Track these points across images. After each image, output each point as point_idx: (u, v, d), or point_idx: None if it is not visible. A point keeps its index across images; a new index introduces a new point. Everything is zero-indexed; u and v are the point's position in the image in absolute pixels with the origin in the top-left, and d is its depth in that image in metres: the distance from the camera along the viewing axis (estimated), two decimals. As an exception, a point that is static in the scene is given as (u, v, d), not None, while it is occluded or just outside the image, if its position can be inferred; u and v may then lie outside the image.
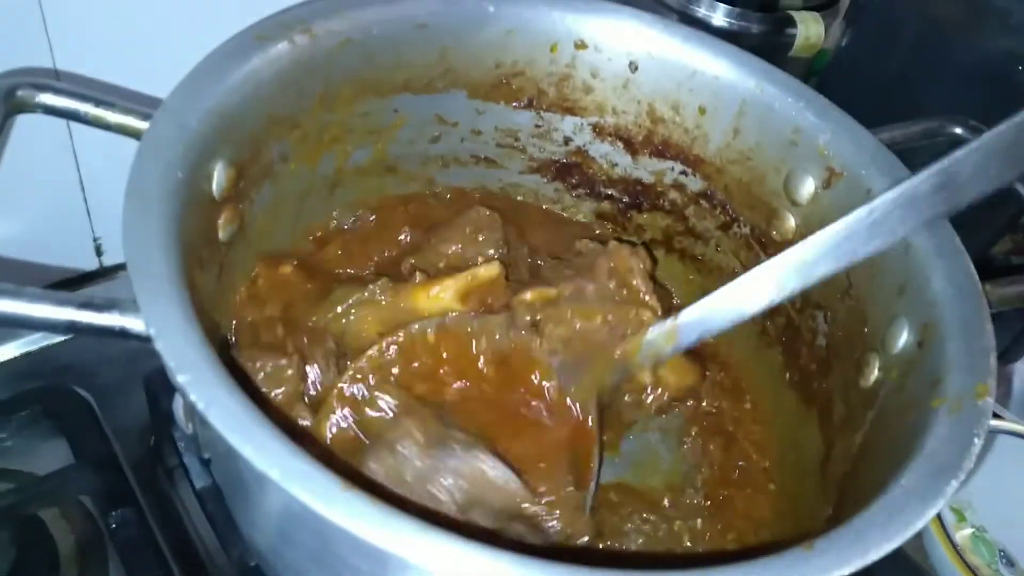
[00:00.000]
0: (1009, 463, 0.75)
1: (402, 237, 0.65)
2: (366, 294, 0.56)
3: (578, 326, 0.57)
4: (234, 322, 0.55)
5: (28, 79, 0.48)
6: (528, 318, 0.57)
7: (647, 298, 0.59)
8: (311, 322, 0.56)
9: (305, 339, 0.54)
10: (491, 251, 0.61)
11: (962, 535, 0.76)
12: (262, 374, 0.51)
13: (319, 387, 0.53)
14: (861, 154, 0.57)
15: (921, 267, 0.52)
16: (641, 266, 0.60)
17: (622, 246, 0.61)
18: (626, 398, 0.60)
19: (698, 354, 0.64)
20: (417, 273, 0.58)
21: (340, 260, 0.63)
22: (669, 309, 0.58)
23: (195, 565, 0.60)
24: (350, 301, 0.56)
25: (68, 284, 0.77)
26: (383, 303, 0.56)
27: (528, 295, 0.57)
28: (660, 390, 0.59)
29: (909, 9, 0.77)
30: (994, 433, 0.74)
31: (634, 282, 0.59)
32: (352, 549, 0.37)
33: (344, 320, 0.56)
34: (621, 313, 0.57)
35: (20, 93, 0.48)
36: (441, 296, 0.56)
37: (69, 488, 0.62)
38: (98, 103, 0.48)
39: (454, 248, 0.62)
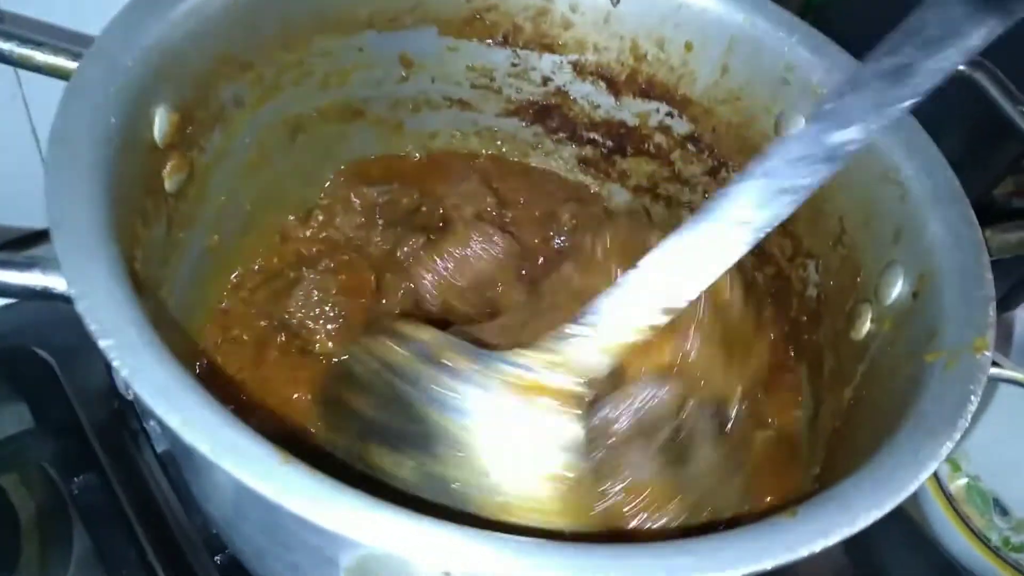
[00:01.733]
0: (1006, 412, 0.73)
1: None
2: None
3: None
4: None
5: (-59, 18, 0.44)
6: None
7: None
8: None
9: None
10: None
11: (956, 485, 0.75)
12: None
13: None
14: (857, 92, 0.53)
15: (918, 212, 0.48)
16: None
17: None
18: None
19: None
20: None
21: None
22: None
23: (161, 530, 0.58)
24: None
25: (22, 242, 0.74)
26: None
27: None
28: None
29: (912, -63, 0.72)
30: (993, 381, 0.72)
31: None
32: (300, 524, 0.34)
33: None
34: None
35: (-64, 33, 0.44)
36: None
37: (29, 453, 0.60)
38: (23, 42, 0.44)
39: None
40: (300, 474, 0.30)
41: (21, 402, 0.63)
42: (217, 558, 0.54)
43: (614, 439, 0.48)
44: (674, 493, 0.46)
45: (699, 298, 0.51)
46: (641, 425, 0.49)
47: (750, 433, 0.53)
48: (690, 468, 0.49)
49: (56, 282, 0.35)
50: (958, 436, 0.38)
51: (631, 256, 0.53)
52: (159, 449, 0.58)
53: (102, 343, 0.32)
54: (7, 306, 0.69)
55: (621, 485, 0.46)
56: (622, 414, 0.49)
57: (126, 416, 0.63)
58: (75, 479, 0.59)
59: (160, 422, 0.32)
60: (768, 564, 0.32)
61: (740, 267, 0.57)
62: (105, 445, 0.61)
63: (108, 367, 0.63)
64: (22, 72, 0.65)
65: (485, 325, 0.54)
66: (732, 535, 0.33)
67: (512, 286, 0.59)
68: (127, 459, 0.62)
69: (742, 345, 0.55)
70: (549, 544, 0.32)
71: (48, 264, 0.36)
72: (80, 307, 0.33)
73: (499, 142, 0.68)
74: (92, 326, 0.32)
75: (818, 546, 0.33)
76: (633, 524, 0.46)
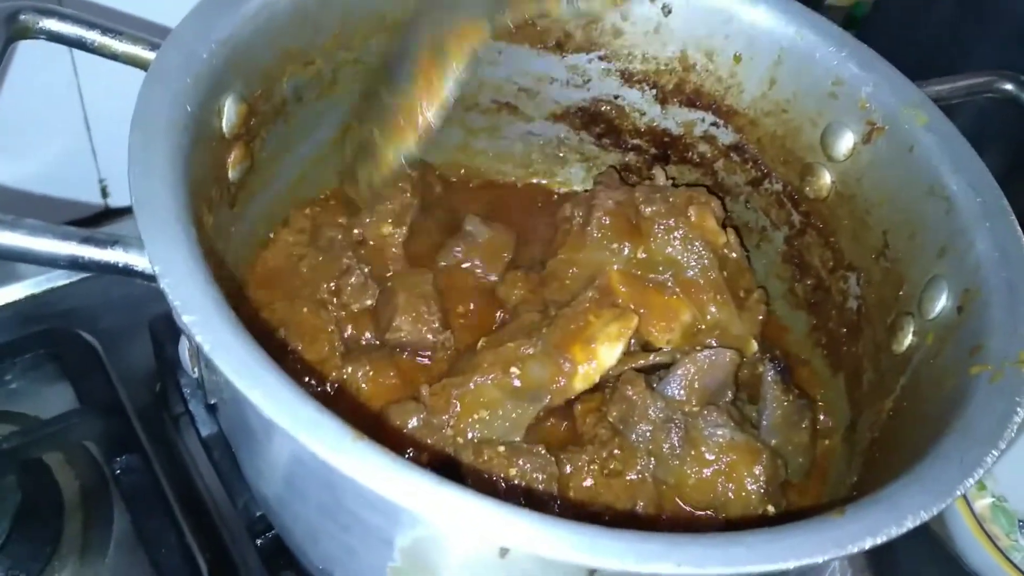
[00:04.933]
0: (1032, 433, 0.73)
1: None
2: None
3: None
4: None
5: (32, 3, 0.46)
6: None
7: None
8: None
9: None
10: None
11: (982, 504, 0.75)
12: None
13: None
14: (906, 108, 0.54)
15: (964, 228, 0.49)
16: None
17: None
18: None
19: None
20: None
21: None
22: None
23: (200, 513, 0.60)
24: None
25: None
26: None
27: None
28: None
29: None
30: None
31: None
32: (361, 502, 0.35)
33: None
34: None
35: (23, 17, 0.45)
36: None
37: (73, 433, 0.61)
38: (105, 31, 0.46)
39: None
40: (372, 450, 0.32)
41: (66, 383, 0.64)
42: (258, 541, 0.55)
43: (686, 413, 0.49)
44: (756, 452, 0.48)
45: (700, 249, 0.54)
46: (706, 393, 0.50)
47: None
48: (763, 424, 0.51)
49: (137, 260, 0.37)
50: (1004, 445, 0.39)
51: (624, 226, 0.55)
52: (204, 433, 0.59)
53: (185, 318, 0.33)
54: (53, 290, 0.71)
55: (707, 455, 0.48)
56: (685, 389, 0.50)
57: (168, 399, 0.64)
58: (117, 459, 0.60)
59: (235, 395, 0.33)
60: (818, 558, 0.33)
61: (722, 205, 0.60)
62: (147, 427, 0.62)
63: (155, 351, 0.64)
64: (79, 63, 0.67)
65: (507, 328, 0.56)
66: (783, 529, 0.34)
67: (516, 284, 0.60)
68: (168, 442, 0.63)
69: (745, 288, 0.58)
70: (607, 530, 0.33)
71: (129, 242, 0.37)
72: (163, 284, 0.34)
73: (545, 147, 0.69)
74: (175, 303, 0.33)
75: (867, 543, 0.34)
76: (723, 490, 0.48)
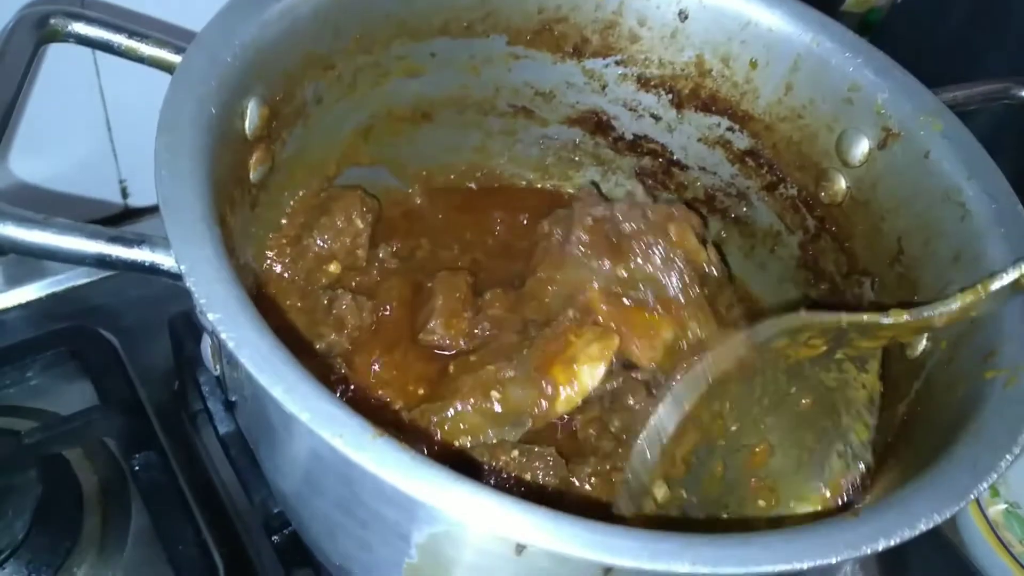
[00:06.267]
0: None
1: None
2: None
3: None
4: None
5: (61, 8, 0.47)
6: None
7: None
8: None
9: None
10: None
11: (995, 511, 0.75)
12: None
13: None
14: (921, 114, 0.54)
15: (978, 234, 0.49)
16: None
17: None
18: None
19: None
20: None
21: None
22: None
23: (217, 509, 0.60)
24: None
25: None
26: None
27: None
28: None
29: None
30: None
31: None
32: (380, 497, 0.36)
33: None
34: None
35: (53, 21, 0.46)
36: None
37: (93, 429, 0.62)
38: (132, 34, 0.47)
39: None
40: (392, 447, 0.32)
41: (86, 380, 0.65)
42: (275, 538, 0.56)
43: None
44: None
45: (681, 267, 0.54)
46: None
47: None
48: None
49: (162, 259, 0.38)
50: (1017, 450, 0.39)
51: (603, 244, 0.55)
52: (221, 430, 0.59)
53: (210, 316, 0.34)
54: (74, 288, 0.72)
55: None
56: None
57: (186, 397, 0.65)
58: (135, 456, 0.61)
59: (257, 392, 0.33)
60: (832, 559, 0.34)
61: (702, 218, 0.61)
62: (165, 424, 0.63)
63: (174, 349, 0.65)
64: (101, 66, 0.68)
65: (484, 350, 0.55)
66: (798, 530, 0.35)
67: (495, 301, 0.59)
68: (185, 439, 0.64)
69: (726, 304, 0.59)
70: (623, 529, 0.33)
71: (155, 241, 0.38)
72: (189, 282, 0.35)
73: (562, 151, 0.69)
74: (201, 300, 0.34)
75: (880, 545, 0.34)
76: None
